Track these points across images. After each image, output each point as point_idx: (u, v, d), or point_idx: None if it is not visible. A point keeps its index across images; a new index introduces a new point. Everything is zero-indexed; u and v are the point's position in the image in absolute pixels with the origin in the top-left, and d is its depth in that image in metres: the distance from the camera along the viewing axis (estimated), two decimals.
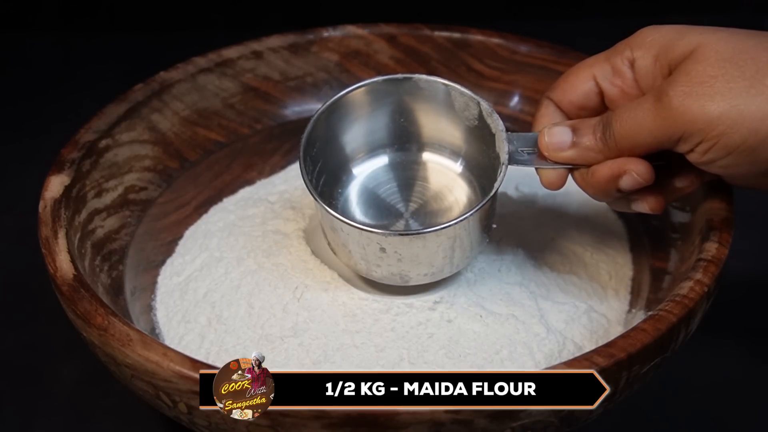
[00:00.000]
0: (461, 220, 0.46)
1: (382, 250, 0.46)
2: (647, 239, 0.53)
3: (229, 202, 0.58)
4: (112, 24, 0.92)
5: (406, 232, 0.47)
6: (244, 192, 0.59)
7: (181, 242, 0.56)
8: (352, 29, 0.63)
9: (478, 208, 0.46)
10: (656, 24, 0.46)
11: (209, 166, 0.59)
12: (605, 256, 0.54)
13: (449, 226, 0.46)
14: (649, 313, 0.44)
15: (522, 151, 0.47)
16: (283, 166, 0.62)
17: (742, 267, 0.58)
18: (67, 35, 0.90)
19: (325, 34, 0.63)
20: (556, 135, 0.46)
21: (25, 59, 0.88)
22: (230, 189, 0.59)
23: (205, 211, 0.58)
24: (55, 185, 0.49)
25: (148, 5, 0.91)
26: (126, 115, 0.55)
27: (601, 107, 0.48)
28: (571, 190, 0.58)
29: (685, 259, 0.48)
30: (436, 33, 0.63)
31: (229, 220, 0.55)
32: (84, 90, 0.81)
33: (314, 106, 0.63)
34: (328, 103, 0.50)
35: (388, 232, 0.46)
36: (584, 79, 0.47)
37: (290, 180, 0.59)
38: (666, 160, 0.46)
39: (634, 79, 0.46)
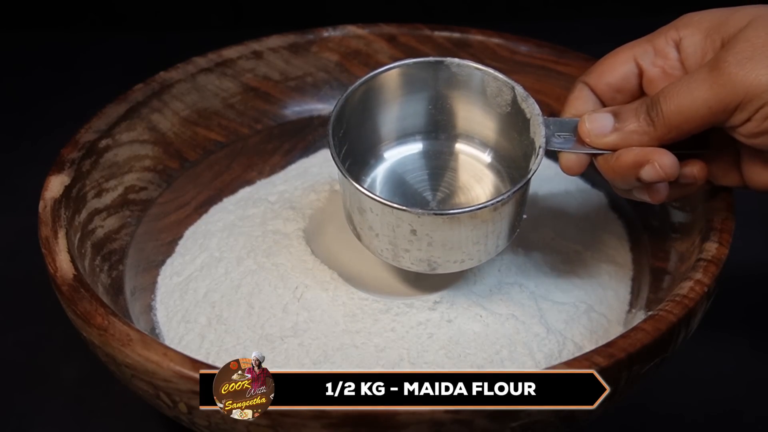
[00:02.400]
0: (497, 201, 0.44)
1: (413, 232, 0.45)
2: (647, 239, 0.53)
3: (229, 202, 0.58)
4: (112, 24, 0.92)
5: (440, 212, 0.45)
6: (244, 192, 0.59)
7: (181, 242, 0.56)
8: (352, 29, 0.63)
9: (515, 189, 0.45)
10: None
11: (209, 166, 0.59)
12: (605, 256, 0.54)
13: (485, 206, 0.44)
14: (649, 313, 0.44)
15: (559, 135, 0.46)
16: (283, 166, 0.62)
17: (742, 267, 0.58)
18: (67, 35, 0.90)
19: (325, 34, 0.63)
20: (597, 120, 0.45)
21: (26, 59, 0.88)
22: (230, 189, 0.59)
23: (205, 211, 0.58)
24: (55, 185, 0.49)
25: (148, 5, 0.91)
26: (126, 115, 0.55)
27: (638, 91, 0.46)
28: (572, 190, 0.58)
29: (685, 259, 0.48)
30: (436, 33, 0.63)
31: (229, 220, 0.55)
32: (84, 90, 0.81)
33: (314, 106, 0.63)
34: (357, 83, 0.48)
35: (422, 211, 0.44)
36: (624, 60, 0.46)
37: (290, 180, 0.59)
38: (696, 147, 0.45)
39: (678, 60, 0.45)
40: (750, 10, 0.43)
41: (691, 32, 0.44)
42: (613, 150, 0.45)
